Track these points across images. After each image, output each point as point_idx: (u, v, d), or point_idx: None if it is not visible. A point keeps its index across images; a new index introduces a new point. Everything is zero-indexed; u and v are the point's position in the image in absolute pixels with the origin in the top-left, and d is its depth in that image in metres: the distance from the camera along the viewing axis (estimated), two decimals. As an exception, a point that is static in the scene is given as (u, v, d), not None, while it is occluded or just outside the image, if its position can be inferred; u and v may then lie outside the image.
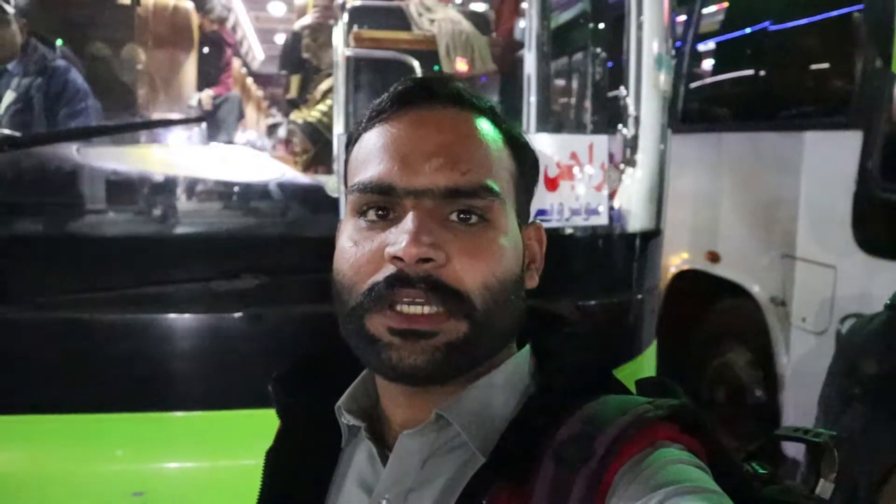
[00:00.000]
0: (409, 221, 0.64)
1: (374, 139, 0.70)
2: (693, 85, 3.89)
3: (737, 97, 3.67)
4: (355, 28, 3.11)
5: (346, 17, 2.90)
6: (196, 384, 1.63)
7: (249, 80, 7.21)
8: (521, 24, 2.94)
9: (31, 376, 1.56)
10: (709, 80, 3.88)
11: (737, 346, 3.57)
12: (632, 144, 1.95)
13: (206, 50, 4.40)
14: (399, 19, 3.32)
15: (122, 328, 1.68)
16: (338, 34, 2.88)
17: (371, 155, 0.69)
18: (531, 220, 0.76)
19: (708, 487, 0.57)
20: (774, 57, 3.38)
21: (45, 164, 2.12)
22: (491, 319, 0.66)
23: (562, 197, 1.72)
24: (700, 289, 3.67)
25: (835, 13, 3.04)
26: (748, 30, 3.56)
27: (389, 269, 0.65)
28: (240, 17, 7.58)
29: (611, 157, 1.97)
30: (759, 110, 3.42)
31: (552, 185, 1.71)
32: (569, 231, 1.80)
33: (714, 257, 3.58)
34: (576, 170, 1.74)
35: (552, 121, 2.93)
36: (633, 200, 1.91)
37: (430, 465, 0.68)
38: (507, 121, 0.73)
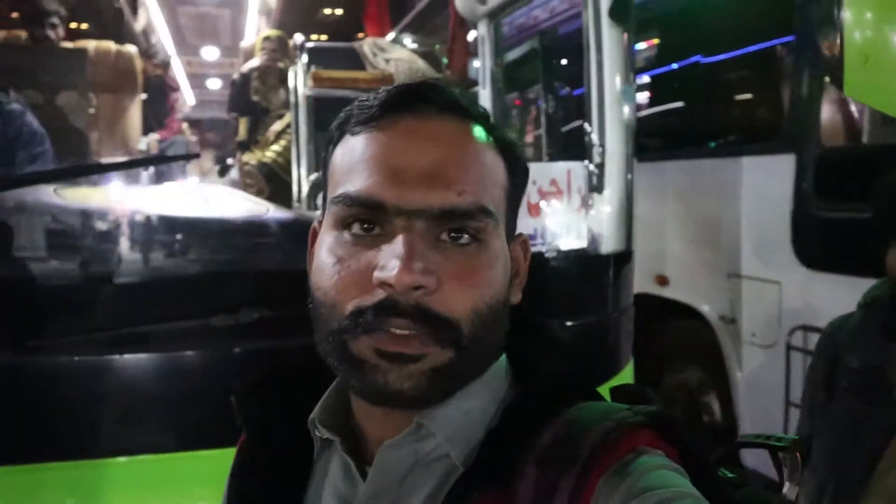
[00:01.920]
0: (399, 245, 0.61)
1: (361, 146, 0.65)
2: (637, 115, 4.06)
3: (676, 126, 3.85)
4: (312, 68, 3.16)
5: (305, 57, 2.94)
6: (199, 423, 1.61)
7: (184, 125, 7.13)
8: (475, 62, 3.04)
9: (24, 424, 1.51)
10: (648, 111, 4.07)
11: (689, 366, 3.71)
12: (599, 173, 2.04)
13: (150, 95, 4.36)
14: (353, 60, 3.37)
15: (79, 372, 1.65)
16: (297, 74, 2.92)
17: (358, 164, 0.64)
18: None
19: (689, 492, 0.57)
20: (707, 88, 3.59)
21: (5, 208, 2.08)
22: (478, 344, 0.64)
23: (543, 222, 1.79)
24: (650, 311, 3.80)
25: (763, 45, 3.27)
26: (681, 63, 3.76)
27: (378, 295, 0.61)
28: (172, 61, 7.52)
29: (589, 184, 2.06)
30: (698, 138, 3.62)
31: (535, 210, 1.78)
32: (549, 255, 1.86)
33: (663, 280, 3.72)
34: (556, 196, 1.82)
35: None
36: (606, 225, 2.00)
37: (412, 477, 0.66)
38: (500, 127, 0.70)
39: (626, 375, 2.01)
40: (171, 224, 2.06)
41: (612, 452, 0.59)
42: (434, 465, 0.66)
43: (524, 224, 1.78)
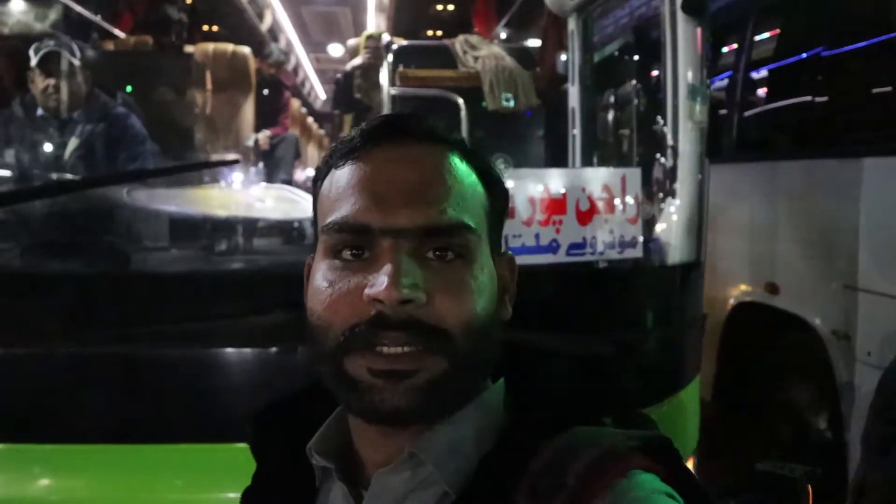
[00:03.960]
0: (387, 262, 0.64)
1: (346, 177, 0.69)
2: (747, 113, 3.81)
3: (793, 124, 3.58)
4: (401, 67, 3.18)
5: (391, 57, 2.96)
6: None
7: (310, 120, 7.41)
8: (564, 58, 2.96)
9: (84, 409, 1.61)
10: (763, 108, 3.80)
11: (800, 382, 3.43)
12: (669, 176, 1.92)
13: (264, 92, 4.56)
14: (444, 58, 3.37)
15: (176, 363, 1.73)
16: (384, 74, 2.95)
17: (344, 194, 0.68)
18: (505, 250, 0.76)
19: None
20: (831, 82, 3.30)
21: (104, 206, 2.23)
22: (472, 356, 0.66)
23: (595, 230, 1.71)
24: (761, 321, 3.56)
25: (890, 35, 2.96)
26: (803, 55, 3.48)
27: (370, 311, 0.64)
28: (301, 59, 7.83)
29: (649, 189, 1.95)
30: (816, 137, 3.33)
31: (585, 218, 1.71)
32: (603, 265, 1.78)
33: (773, 289, 3.47)
34: (609, 203, 1.73)
35: (597, 153, 2.92)
36: (670, 232, 1.88)
37: None
38: (478, 154, 0.73)
39: (691, 393, 1.89)
40: (239, 224, 2.15)
41: (604, 476, 0.59)
42: (427, 493, 0.67)
43: (573, 232, 1.71)
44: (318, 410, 0.75)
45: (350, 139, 0.71)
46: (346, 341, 0.65)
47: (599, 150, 2.97)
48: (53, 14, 3.46)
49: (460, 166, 0.70)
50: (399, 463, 0.67)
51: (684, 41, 1.92)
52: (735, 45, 3.82)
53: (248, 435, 0.78)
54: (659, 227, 1.87)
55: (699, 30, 1.92)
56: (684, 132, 1.89)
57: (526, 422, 0.69)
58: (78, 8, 3.87)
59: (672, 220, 1.86)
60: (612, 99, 3.02)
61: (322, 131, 8.01)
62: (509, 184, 1.68)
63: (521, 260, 1.67)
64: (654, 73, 2.26)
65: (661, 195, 1.92)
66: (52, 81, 2.65)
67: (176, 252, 2.49)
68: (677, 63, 1.94)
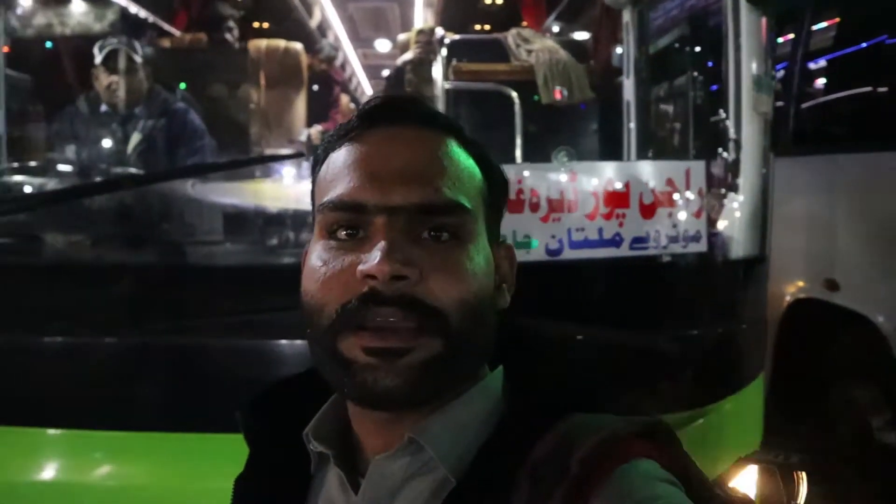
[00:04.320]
0: (381, 238, 0.63)
1: (342, 157, 0.68)
2: (805, 105, 3.72)
3: (852, 116, 3.48)
4: (454, 61, 3.18)
5: (444, 51, 2.96)
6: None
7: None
8: (619, 50, 2.92)
9: (141, 396, 1.64)
10: (821, 99, 3.70)
11: (861, 381, 3.34)
12: (733, 169, 1.89)
13: (315, 88, 4.60)
14: (497, 51, 3.36)
15: (235, 353, 1.76)
16: (437, 68, 2.95)
17: (340, 173, 0.67)
18: (503, 239, 0.75)
19: (683, 502, 0.57)
20: (892, 72, 3.20)
21: (166, 199, 2.27)
22: (466, 337, 0.65)
23: (659, 224, 1.69)
24: (819, 318, 3.47)
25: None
26: (863, 44, 3.38)
27: (363, 289, 0.63)
28: (349, 55, 7.88)
29: (712, 182, 1.92)
30: (877, 129, 3.24)
31: (648, 212, 1.68)
32: (667, 259, 1.75)
33: (832, 285, 3.38)
34: (673, 197, 1.71)
35: (653, 147, 2.88)
36: (734, 227, 1.84)
37: (405, 491, 0.66)
38: (476, 142, 0.72)
39: (754, 391, 1.85)
40: (291, 218, 2.17)
41: (605, 463, 0.59)
42: (427, 479, 0.66)
43: (636, 226, 1.69)
44: (313, 397, 0.74)
45: (347, 122, 0.71)
46: (339, 319, 0.64)
47: (655, 144, 2.93)
48: (113, 14, 3.54)
49: (458, 151, 0.69)
50: (398, 448, 0.66)
51: (748, 31, 1.88)
52: (792, 35, 3.73)
53: (241, 421, 0.77)
54: (723, 222, 1.84)
55: (764, 19, 1.87)
56: (750, 124, 1.86)
57: (526, 408, 0.68)
58: (136, 8, 3.95)
59: (737, 214, 1.83)
60: (668, 91, 2.97)
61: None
62: (570, 177, 1.67)
63: (585, 254, 1.67)
64: (714, 63, 2.21)
65: (725, 189, 1.89)
66: (115, 78, 2.71)
67: (232, 245, 2.53)
68: (740, 53, 1.90)
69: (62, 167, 2.74)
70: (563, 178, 1.65)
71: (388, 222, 0.64)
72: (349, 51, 7.68)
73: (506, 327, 0.71)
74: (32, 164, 2.77)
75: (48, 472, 1.58)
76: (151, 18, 4.17)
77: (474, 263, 0.66)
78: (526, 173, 1.65)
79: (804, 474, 0.83)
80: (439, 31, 3.29)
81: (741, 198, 1.85)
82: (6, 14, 3.01)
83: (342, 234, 0.66)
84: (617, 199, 1.66)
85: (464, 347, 0.65)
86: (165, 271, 1.95)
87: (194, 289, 1.84)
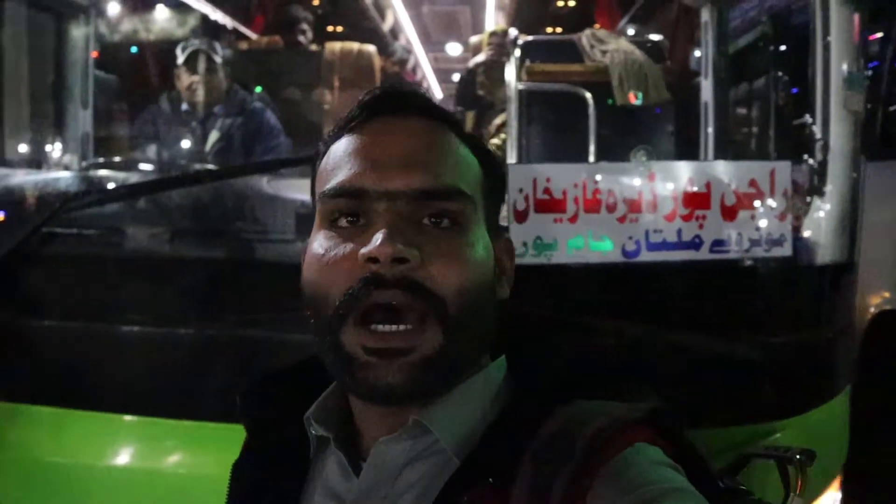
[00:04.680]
0: (382, 223, 0.64)
1: (343, 147, 0.69)
2: (894, 108, 3.55)
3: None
4: (528, 62, 3.15)
5: (517, 52, 2.95)
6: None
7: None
8: (697, 52, 2.85)
9: (214, 388, 1.66)
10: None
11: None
12: (820, 171, 1.81)
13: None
14: (570, 53, 3.32)
15: (306, 349, 1.77)
16: (511, 69, 2.93)
17: (341, 161, 0.68)
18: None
19: (686, 488, 0.58)
20: None
21: (242, 195, 2.32)
22: (466, 325, 0.65)
23: (741, 227, 1.63)
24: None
25: None
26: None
27: (365, 273, 0.63)
28: (419, 59, 7.94)
29: (797, 185, 1.85)
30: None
31: (730, 214, 1.63)
32: (748, 263, 1.69)
33: (922, 297, 3.22)
34: (756, 198, 1.64)
35: (731, 149, 2.80)
36: (821, 231, 1.77)
37: (407, 473, 0.66)
38: (475, 136, 0.74)
39: (841, 404, 1.77)
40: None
41: (609, 447, 0.60)
42: (429, 462, 0.67)
43: (717, 228, 1.63)
44: (313, 383, 0.75)
45: (348, 114, 0.72)
46: (342, 306, 0.64)
47: (733, 146, 2.85)
48: (194, 20, 3.65)
49: (457, 142, 0.71)
50: (403, 430, 0.66)
51: (839, 28, 1.80)
52: (880, 34, 3.56)
53: (240, 406, 0.78)
54: (810, 225, 1.77)
55: (856, 15, 1.79)
56: (839, 124, 1.78)
57: (530, 394, 0.68)
58: (215, 13, 4.07)
59: (825, 218, 1.75)
60: (747, 92, 2.88)
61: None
62: (648, 176, 1.63)
63: (663, 256, 1.62)
64: (798, 62, 2.13)
65: (811, 191, 1.82)
66: (195, 78, 2.80)
67: (302, 243, 2.56)
68: (829, 49, 1.82)
69: (145, 164, 2.83)
70: (642, 178, 1.61)
71: (388, 207, 0.65)
72: (420, 54, 7.73)
73: (513, 319, 0.72)
74: (117, 160, 2.88)
75: (121, 458, 1.62)
76: (230, 23, 4.29)
77: (474, 250, 0.67)
78: (604, 174, 1.61)
79: (805, 467, 0.90)
80: (513, 32, 3.28)
81: (829, 200, 1.77)
82: (96, 21, 3.14)
83: (343, 221, 0.67)
84: (697, 201, 1.61)
85: (463, 338, 0.65)
86: (241, 265, 1.98)
87: (268, 284, 1.87)
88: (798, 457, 0.85)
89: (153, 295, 1.75)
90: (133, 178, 2.54)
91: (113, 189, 2.27)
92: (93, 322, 1.73)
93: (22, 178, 2.46)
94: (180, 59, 2.78)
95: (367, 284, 0.63)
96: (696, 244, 1.60)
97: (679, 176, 1.63)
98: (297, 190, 2.41)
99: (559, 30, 5.82)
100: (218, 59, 2.82)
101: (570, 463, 0.59)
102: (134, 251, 1.95)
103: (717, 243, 1.62)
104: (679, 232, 1.60)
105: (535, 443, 0.62)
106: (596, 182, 1.58)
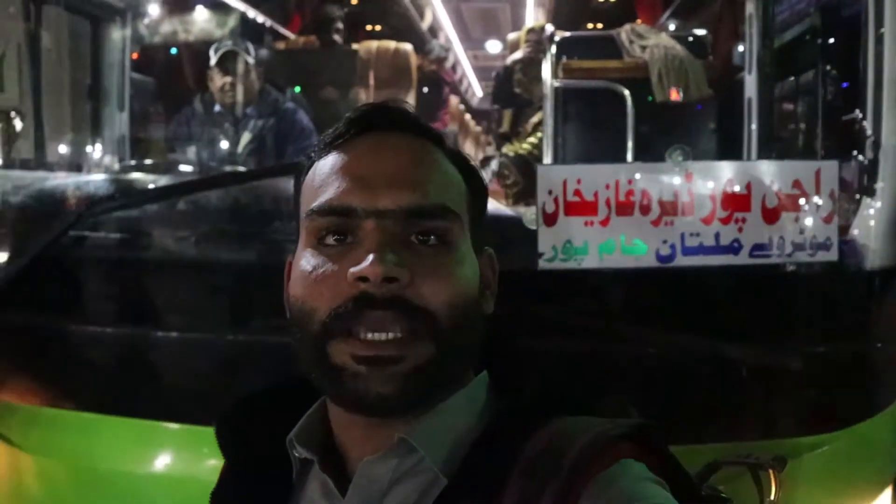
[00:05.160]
0: (372, 241, 0.64)
1: (330, 164, 0.68)
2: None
3: None
4: (564, 59, 3.09)
5: (554, 48, 2.89)
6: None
7: (467, 117, 7.47)
8: (741, 46, 2.75)
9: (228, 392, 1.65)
10: None
11: None
12: (871, 169, 1.72)
13: (424, 89, 4.62)
14: (609, 49, 3.25)
15: None
16: (547, 66, 2.88)
17: (328, 179, 0.67)
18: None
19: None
20: None
21: (275, 195, 2.31)
22: (456, 340, 0.65)
23: (783, 230, 1.55)
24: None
25: None
26: None
27: (354, 292, 0.63)
28: (459, 56, 7.91)
29: (845, 184, 1.76)
30: None
31: (772, 216, 1.55)
32: (791, 268, 1.61)
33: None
34: (800, 200, 1.56)
35: (776, 147, 2.70)
36: (869, 234, 1.67)
37: (393, 493, 0.66)
38: (459, 151, 0.75)
39: (889, 418, 1.68)
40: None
41: (596, 463, 0.60)
42: (416, 480, 0.66)
43: (757, 231, 1.56)
44: (293, 406, 0.73)
45: (334, 129, 0.71)
46: (330, 323, 0.63)
47: (778, 144, 2.75)
48: (232, 21, 3.68)
49: (443, 158, 0.71)
50: (388, 450, 0.65)
51: (893, 18, 1.70)
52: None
53: (217, 433, 0.77)
54: (858, 227, 1.68)
55: (912, 5, 1.69)
56: (893, 122, 1.68)
57: (515, 409, 0.69)
58: (252, 12, 4.09)
59: (875, 220, 1.66)
60: (793, 88, 2.78)
61: (479, 128, 8.05)
62: (685, 177, 1.56)
63: (699, 261, 1.56)
64: (848, 57, 2.04)
65: (859, 192, 1.73)
66: (228, 79, 2.80)
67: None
68: (882, 44, 1.73)
69: (179, 166, 2.85)
70: (678, 178, 1.54)
71: (377, 226, 0.65)
72: (459, 52, 7.70)
73: (495, 336, 0.72)
74: (150, 162, 2.91)
75: (157, 464, 1.62)
76: (267, 23, 4.31)
77: (462, 268, 0.67)
78: (637, 174, 1.55)
79: (777, 474, 0.93)
80: (549, 28, 3.22)
81: (879, 201, 1.68)
82: (133, 23, 3.18)
83: (330, 239, 0.67)
84: (736, 202, 1.53)
85: (453, 351, 0.66)
86: (271, 268, 1.96)
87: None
88: (771, 462, 0.86)
89: (181, 299, 1.75)
90: (163, 180, 2.56)
91: (137, 193, 2.28)
92: (137, 327, 1.74)
93: (59, 180, 2.49)
94: (213, 60, 2.79)
95: (358, 304, 0.63)
96: (735, 248, 1.53)
97: (717, 176, 1.56)
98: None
99: (600, 25, 5.72)
100: (250, 60, 2.82)
101: (557, 479, 0.60)
102: (162, 254, 1.95)
103: (758, 247, 1.54)
104: (717, 235, 1.53)
105: (522, 459, 0.63)
106: (629, 183, 1.52)
